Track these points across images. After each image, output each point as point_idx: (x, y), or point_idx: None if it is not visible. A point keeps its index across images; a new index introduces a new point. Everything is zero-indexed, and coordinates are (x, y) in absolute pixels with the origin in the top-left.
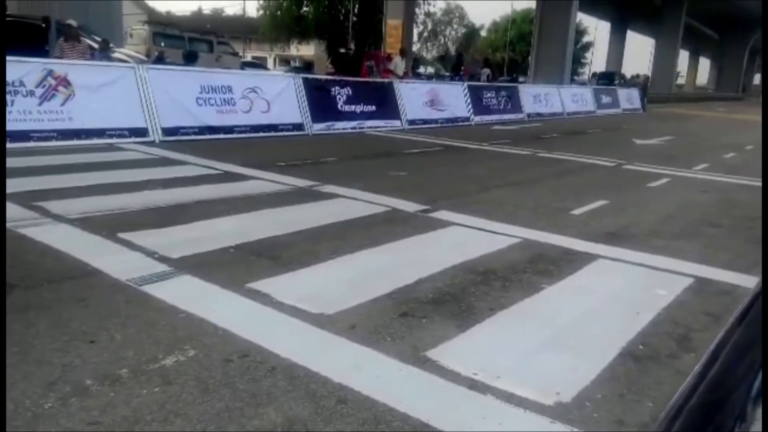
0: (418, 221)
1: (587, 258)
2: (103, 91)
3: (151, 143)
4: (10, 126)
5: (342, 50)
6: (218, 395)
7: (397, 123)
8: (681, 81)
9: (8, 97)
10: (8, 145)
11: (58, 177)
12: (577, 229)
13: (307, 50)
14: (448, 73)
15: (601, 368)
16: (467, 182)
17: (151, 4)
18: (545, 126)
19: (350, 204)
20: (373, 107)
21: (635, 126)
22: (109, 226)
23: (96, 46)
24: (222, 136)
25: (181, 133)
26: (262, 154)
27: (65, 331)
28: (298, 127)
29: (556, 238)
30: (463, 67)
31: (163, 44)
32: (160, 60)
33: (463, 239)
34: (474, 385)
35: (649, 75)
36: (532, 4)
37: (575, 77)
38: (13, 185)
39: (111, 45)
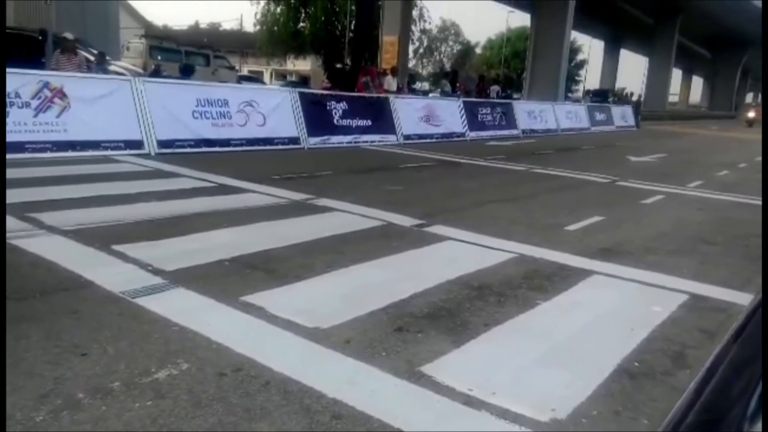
0: (413, 236)
1: (582, 274)
2: (99, 104)
3: (147, 156)
4: (6, 137)
5: (338, 65)
6: (211, 409)
7: (392, 138)
8: (674, 99)
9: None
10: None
11: (52, 188)
12: (572, 245)
13: (304, 65)
14: (447, 90)
15: (596, 385)
16: (462, 197)
17: (148, 17)
18: (540, 142)
19: (345, 218)
20: (369, 122)
21: (629, 143)
22: (102, 238)
23: (92, 58)
24: (218, 149)
25: (176, 146)
26: (257, 167)
27: (57, 343)
28: (294, 140)
29: (550, 253)
30: (458, 84)
31: (159, 58)
32: (156, 73)
33: (458, 254)
34: (469, 401)
35: (642, 93)
36: (527, 23)
37: (569, 94)
38: (7, 196)
39: (108, 58)
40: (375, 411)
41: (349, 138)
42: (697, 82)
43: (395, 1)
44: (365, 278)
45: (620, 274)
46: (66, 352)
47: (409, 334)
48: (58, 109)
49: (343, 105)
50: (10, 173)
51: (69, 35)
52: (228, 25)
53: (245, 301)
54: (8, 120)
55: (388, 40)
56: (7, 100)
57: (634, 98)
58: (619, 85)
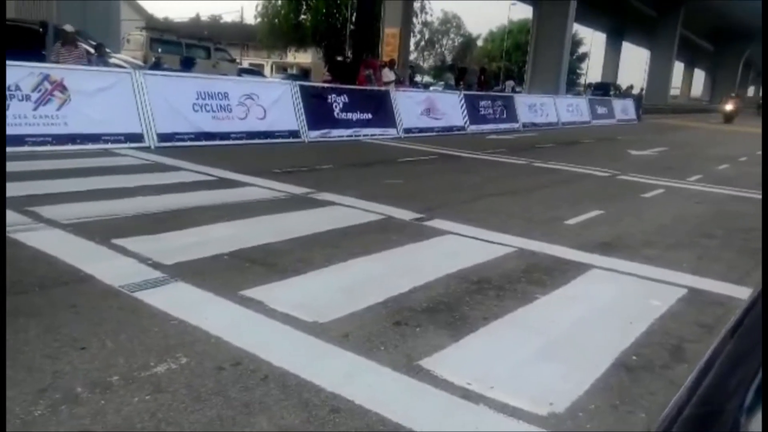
0: (413, 229)
1: (581, 268)
2: (99, 97)
3: (147, 149)
4: (5, 130)
5: (339, 58)
6: (210, 403)
7: (393, 131)
8: (676, 92)
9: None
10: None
11: (51, 182)
12: (572, 239)
13: (305, 58)
14: (451, 83)
15: (594, 378)
16: (462, 191)
17: (149, 9)
18: (540, 136)
19: (345, 212)
20: (370, 115)
21: (630, 136)
22: (102, 232)
23: (93, 51)
24: (218, 142)
25: (176, 139)
26: (257, 160)
27: (56, 337)
28: (294, 134)
29: (550, 247)
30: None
31: (160, 50)
32: (157, 66)
33: (457, 248)
34: (467, 395)
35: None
36: (529, 15)
37: (572, 88)
38: (6, 189)
39: (108, 50)
40: (373, 405)
41: (349, 131)
42: (699, 75)
43: None
44: (364, 272)
45: (619, 268)
46: (65, 346)
47: (408, 328)
48: (58, 101)
49: (343, 98)
50: (10, 166)
51: (69, 27)
52: (229, 17)
53: (244, 295)
54: (8, 113)
55: (390, 32)
56: (7, 92)
57: (635, 91)
58: (620, 78)
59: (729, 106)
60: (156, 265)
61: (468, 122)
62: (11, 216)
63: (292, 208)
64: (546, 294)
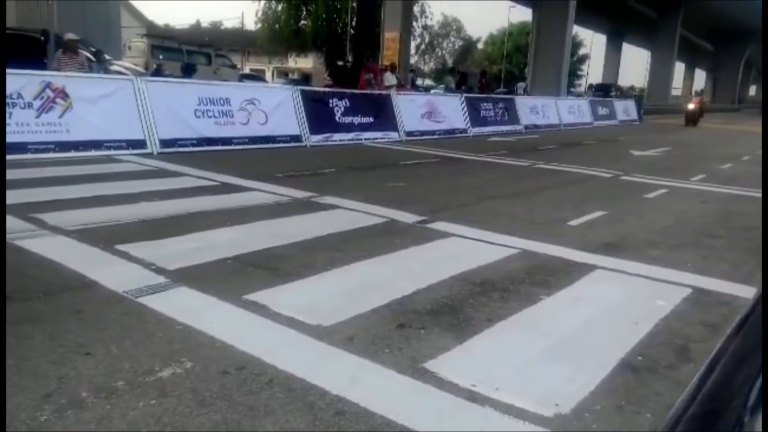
0: (416, 232)
1: (585, 269)
2: (101, 103)
3: (149, 155)
4: (8, 138)
5: (340, 62)
6: (215, 408)
7: (394, 135)
8: (677, 92)
9: (6, 109)
10: (6, 157)
11: (55, 189)
12: (575, 240)
13: (305, 63)
14: (452, 87)
15: (599, 379)
16: (465, 193)
17: (150, 16)
18: (542, 137)
19: (348, 215)
20: (371, 119)
21: (632, 137)
22: (106, 238)
23: (93, 58)
24: (220, 147)
25: (179, 145)
26: (259, 165)
27: (61, 343)
28: (296, 138)
29: (553, 248)
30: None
31: (161, 57)
32: (158, 72)
33: (460, 250)
34: (472, 397)
35: (644, 87)
36: (529, 17)
37: (572, 89)
38: (10, 197)
39: (108, 57)
40: (378, 407)
41: (351, 135)
42: (700, 76)
43: None
44: (368, 275)
45: (623, 268)
46: (70, 352)
47: (412, 331)
48: (60, 109)
49: (344, 102)
50: (14, 174)
51: (73, 36)
52: (229, 23)
53: (248, 300)
54: (11, 121)
55: (390, 36)
56: (10, 100)
57: (637, 92)
58: (621, 80)
59: (691, 105)
60: (160, 271)
61: (469, 125)
62: (16, 223)
63: (295, 212)
64: (550, 295)
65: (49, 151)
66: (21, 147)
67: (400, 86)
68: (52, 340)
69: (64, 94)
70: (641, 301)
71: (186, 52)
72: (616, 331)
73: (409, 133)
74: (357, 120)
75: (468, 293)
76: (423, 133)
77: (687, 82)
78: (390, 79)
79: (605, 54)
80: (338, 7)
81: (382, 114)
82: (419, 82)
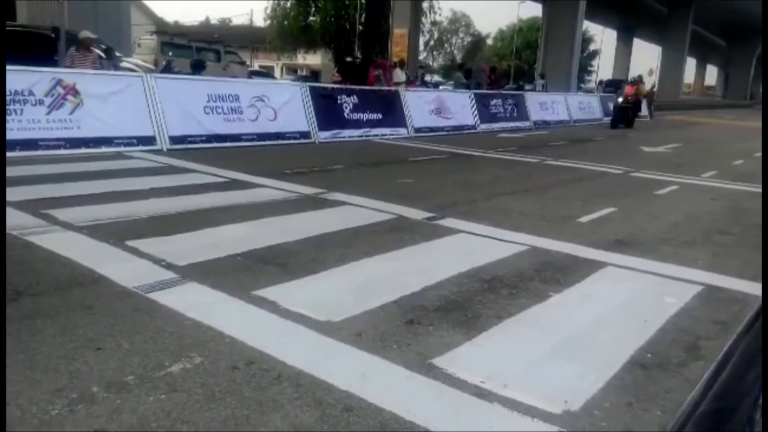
0: (425, 229)
1: (595, 266)
2: (112, 100)
3: (159, 151)
4: (20, 135)
5: (348, 59)
6: (224, 403)
7: (403, 131)
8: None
9: (17, 106)
10: (17, 154)
11: (66, 185)
12: (585, 237)
13: (314, 59)
14: (463, 82)
15: (609, 377)
16: (474, 190)
17: (159, 14)
18: (552, 134)
19: (357, 211)
20: (380, 115)
21: (642, 133)
22: (116, 234)
23: (104, 56)
24: (229, 144)
25: (188, 142)
26: (268, 162)
27: (72, 338)
28: (305, 135)
29: (563, 245)
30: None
31: (171, 54)
32: (167, 69)
33: (469, 246)
34: (481, 394)
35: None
36: (539, 13)
37: (582, 85)
38: (21, 193)
39: (118, 54)
40: (386, 404)
41: (359, 132)
42: (711, 71)
43: None
44: (376, 272)
45: (634, 265)
46: (81, 347)
47: (421, 327)
48: (71, 106)
49: (353, 99)
50: (25, 170)
51: (90, 34)
52: (238, 20)
53: (257, 295)
54: (22, 117)
55: (399, 32)
56: (21, 97)
57: (647, 88)
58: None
59: (620, 99)
60: (169, 266)
61: (478, 121)
62: (27, 219)
63: (304, 208)
64: (560, 292)
65: (59, 148)
66: (32, 144)
67: (409, 82)
68: (63, 334)
69: (74, 91)
70: (651, 298)
71: (195, 49)
72: (626, 328)
73: (418, 130)
74: (366, 116)
75: (477, 290)
76: (432, 129)
77: (698, 78)
78: (399, 75)
79: (615, 50)
80: (347, 3)
81: (391, 110)
82: (428, 78)
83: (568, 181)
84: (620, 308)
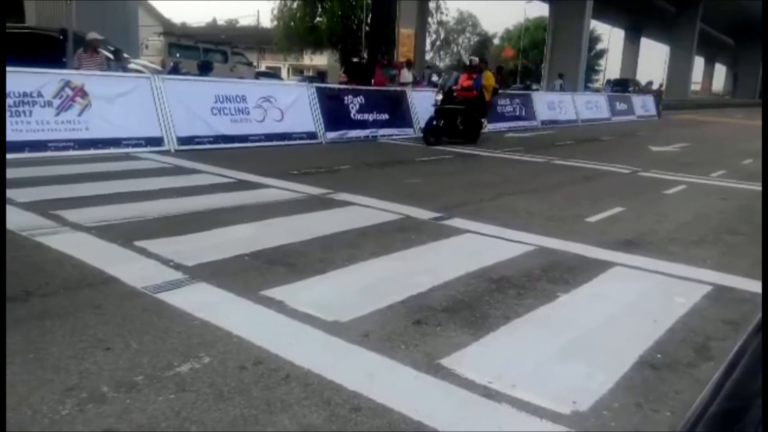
0: (432, 229)
1: (603, 265)
2: (119, 102)
3: (167, 152)
4: (29, 136)
5: (355, 59)
6: (233, 402)
7: (410, 131)
8: (696, 87)
9: (27, 108)
10: (26, 155)
11: (74, 186)
12: (593, 237)
13: (321, 60)
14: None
15: (618, 377)
16: (481, 189)
17: (166, 15)
18: (559, 133)
19: (364, 212)
20: (386, 115)
21: (651, 133)
22: (125, 235)
23: (112, 57)
24: (236, 145)
25: (195, 142)
26: (275, 162)
27: (81, 338)
28: (312, 135)
29: (571, 245)
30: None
31: (178, 55)
32: (175, 70)
33: (477, 247)
34: (489, 394)
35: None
36: (546, 12)
37: (589, 84)
38: (30, 194)
39: (126, 56)
40: (394, 404)
41: (366, 132)
42: (720, 70)
43: None
44: (384, 272)
45: (642, 265)
46: (90, 347)
47: (429, 327)
48: (79, 107)
49: (360, 99)
50: (34, 171)
51: (97, 36)
52: (245, 21)
53: (265, 296)
54: (31, 119)
55: (405, 33)
56: (30, 99)
57: (655, 87)
58: (639, 75)
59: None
60: (178, 267)
61: (486, 121)
62: (36, 220)
63: (311, 208)
64: (568, 292)
65: (68, 149)
66: (41, 145)
67: (416, 83)
68: (72, 335)
69: (83, 93)
70: (660, 298)
71: (202, 50)
72: (635, 328)
73: None
74: (372, 116)
75: (484, 290)
76: None
77: (706, 77)
78: (406, 75)
79: (623, 49)
80: (353, 3)
81: (397, 110)
82: (435, 78)
83: (576, 181)
84: (629, 308)
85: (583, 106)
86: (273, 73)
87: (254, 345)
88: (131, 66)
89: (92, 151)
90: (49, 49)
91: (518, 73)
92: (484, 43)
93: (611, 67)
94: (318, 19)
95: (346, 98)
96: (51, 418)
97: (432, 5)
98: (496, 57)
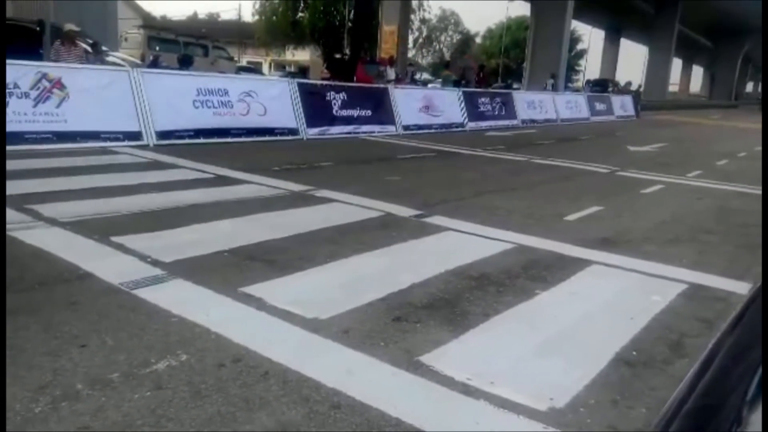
0: (413, 226)
1: (581, 263)
2: (98, 95)
3: (145, 147)
4: (6, 127)
5: (337, 55)
6: (210, 400)
7: (391, 128)
8: (674, 89)
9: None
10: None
11: (50, 180)
12: (571, 235)
13: (303, 55)
14: (452, 79)
15: (594, 374)
16: (462, 187)
17: (146, 7)
18: (539, 132)
19: (345, 208)
20: (368, 112)
21: (629, 133)
22: (101, 230)
23: (90, 50)
24: (216, 140)
25: (175, 137)
26: (256, 158)
27: (56, 335)
28: (293, 131)
29: (550, 243)
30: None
31: (158, 48)
32: (155, 64)
33: (457, 244)
34: (468, 391)
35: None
36: (527, 12)
37: (569, 84)
38: (6, 188)
39: (105, 49)
40: (373, 400)
41: (348, 128)
42: (698, 72)
43: None
44: (364, 269)
45: (619, 263)
46: (65, 344)
47: (408, 324)
48: (57, 99)
49: (342, 95)
50: (9, 164)
51: (73, 27)
52: (227, 15)
53: (244, 292)
54: (7, 110)
55: (388, 29)
56: (7, 90)
57: (634, 88)
58: (619, 75)
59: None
60: (155, 263)
61: (467, 119)
62: (11, 214)
63: (292, 205)
64: (546, 290)
65: (46, 141)
66: (18, 137)
67: (398, 80)
68: (47, 331)
69: (60, 85)
70: (637, 296)
71: (183, 44)
72: (612, 325)
73: (407, 127)
74: (354, 113)
75: (464, 287)
76: (420, 127)
77: (684, 78)
78: (389, 72)
79: (603, 49)
80: None
81: (379, 107)
82: (417, 75)
83: (555, 180)
84: (606, 306)
85: (563, 106)
86: (254, 68)
87: (233, 342)
88: (110, 59)
89: (69, 145)
90: (25, 41)
91: (500, 73)
92: (466, 41)
93: (591, 68)
94: (300, 14)
95: (328, 94)
96: (24, 416)
97: (414, 3)
98: (478, 56)
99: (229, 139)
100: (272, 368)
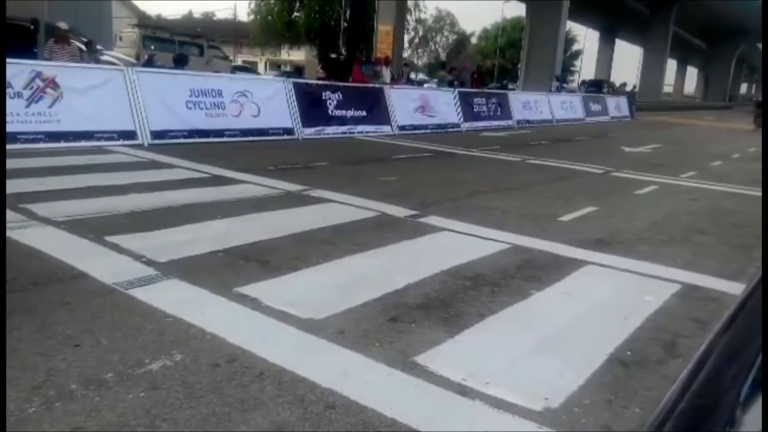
0: (408, 226)
1: (575, 264)
2: (92, 94)
3: (140, 146)
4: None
5: (333, 55)
6: (205, 400)
7: (387, 128)
8: (669, 90)
9: None
10: None
11: (45, 179)
12: (566, 236)
13: (298, 55)
14: (448, 79)
15: (589, 374)
16: (457, 188)
17: (141, 6)
18: (534, 133)
19: (340, 209)
20: (364, 112)
21: (623, 134)
22: (96, 229)
23: (84, 48)
24: (211, 139)
25: (170, 137)
26: (251, 158)
27: (50, 335)
28: (288, 131)
29: (544, 243)
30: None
31: (153, 47)
32: (149, 63)
33: (452, 244)
34: (463, 391)
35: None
36: (523, 12)
37: (564, 85)
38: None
39: (99, 47)
40: (369, 401)
41: (343, 128)
42: (692, 73)
43: None
44: (359, 269)
45: (613, 264)
46: (59, 344)
47: (403, 325)
48: (50, 99)
49: (337, 95)
50: None
51: (64, 25)
52: (222, 14)
53: (239, 292)
54: None
55: (383, 29)
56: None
57: (629, 89)
58: (614, 76)
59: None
60: (150, 263)
61: (462, 119)
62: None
63: (287, 205)
64: (541, 290)
65: (39, 141)
66: (11, 137)
67: (394, 80)
68: (40, 331)
69: (54, 84)
70: (631, 296)
71: (178, 43)
72: (606, 326)
73: (402, 127)
74: (350, 113)
75: (459, 288)
76: (416, 127)
77: (679, 79)
78: (385, 73)
79: (598, 50)
80: None
81: (375, 108)
82: (413, 76)
83: (550, 180)
84: (600, 306)
85: (558, 107)
86: (249, 68)
87: (227, 342)
88: (104, 58)
89: (63, 144)
90: (19, 39)
91: (495, 73)
92: (462, 41)
93: (586, 69)
94: (296, 14)
95: (323, 94)
96: (17, 416)
97: (410, 3)
98: (473, 56)
99: (224, 139)
100: (267, 368)
